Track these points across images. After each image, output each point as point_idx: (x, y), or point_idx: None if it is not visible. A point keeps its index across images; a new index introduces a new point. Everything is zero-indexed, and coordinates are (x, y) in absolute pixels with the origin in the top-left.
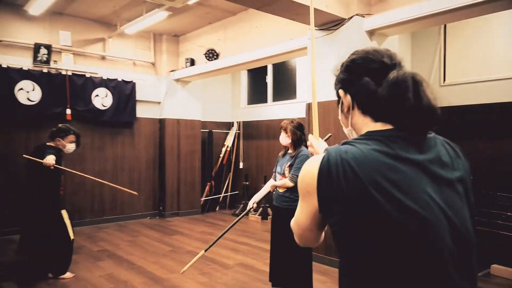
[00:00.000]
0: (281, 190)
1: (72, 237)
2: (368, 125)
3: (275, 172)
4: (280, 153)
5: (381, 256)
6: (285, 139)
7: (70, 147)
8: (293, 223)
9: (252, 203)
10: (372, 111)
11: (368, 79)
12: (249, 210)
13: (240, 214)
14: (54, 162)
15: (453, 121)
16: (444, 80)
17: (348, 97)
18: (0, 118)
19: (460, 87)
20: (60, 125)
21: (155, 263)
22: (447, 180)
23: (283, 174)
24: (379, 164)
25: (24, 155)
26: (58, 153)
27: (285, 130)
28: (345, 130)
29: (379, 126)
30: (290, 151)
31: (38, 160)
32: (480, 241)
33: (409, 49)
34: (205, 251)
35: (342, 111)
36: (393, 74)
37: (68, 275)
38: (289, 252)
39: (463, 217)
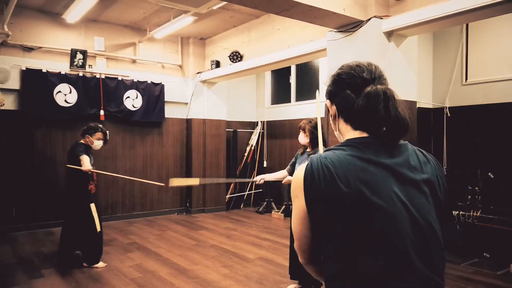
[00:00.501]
0: None
1: (98, 229)
2: (349, 132)
3: (291, 166)
4: (299, 151)
5: (354, 242)
6: (303, 138)
7: (97, 143)
8: (295, 243)
9: (259, 178)
10: (352, 120)
11: (349, 92)
12: (254, 181)
13: (264, 211)
14: (91, 167)
15: (475, 119)
16: (466, 79)
17: (334, 107)
18: (41, 119)
19: (482, 86)
20: (90, 123)
21: (180, 256)
22: (413, 181)
23: None
24: (352, 166)
25: (67, 165)
26: (88, 149)
27: (304, 130)
28: (336, 134)
29: (357, 134)
30: (308, 149)
31: (78, 167)
32: (502, 241)
33: (431, 48)
34: (200, 184)
35: (331, 117)
36: (368, 88)
37: (100, 264)
38: None
39: (426, 213)
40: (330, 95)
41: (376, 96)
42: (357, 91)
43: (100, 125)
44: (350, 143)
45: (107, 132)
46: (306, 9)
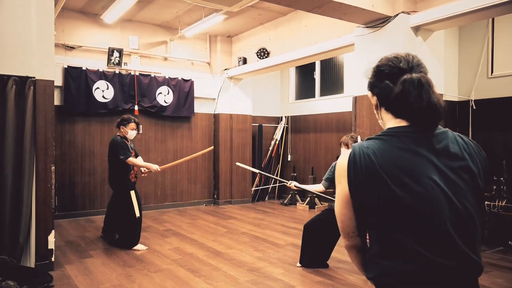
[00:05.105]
0: None
1: (137, 214)
2: (390, 120)
3: (327, 181)
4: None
5: (397, 224)
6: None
7: (131, 133)
8: (339, 227)
9: (292, 183)
10: (391, 108)
11: (388, 82)
12: (285, 183)
13: (288, 203)
14: (155, 167)
15: (500, 112)
16: (492, 72)
17: (375, 97)
18: (81, 113)
19: (508, 79)
20: (124, 115)
21: (214, 241)
22: (452, 168)
23: None
24: (392, 155)
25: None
26: (123, 140)
27: (346, 145)
28: (380, 123)
29: (397, 123)
30: None
31: (151, 168)
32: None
33: (457, 42)
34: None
35: (374, 108)
36: (404, 77)
37: (140, 247)
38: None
39: (463, 198)
40: (371, 86)
41: (411, 83)
42: (395, 81)
43: (133, 117)
44: (389, 132)
45: (139, 123)
46: (337, 6)
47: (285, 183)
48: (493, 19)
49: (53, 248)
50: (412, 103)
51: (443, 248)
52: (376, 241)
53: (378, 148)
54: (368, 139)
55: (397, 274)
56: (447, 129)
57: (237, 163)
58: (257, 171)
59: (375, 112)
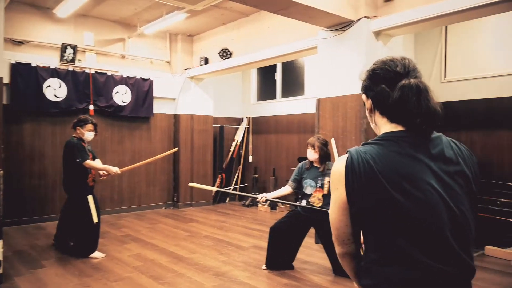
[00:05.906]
0: (318, 204)
1: (95, 220)
2: (385, 125)
3: (294, 182)
4: (305, 166)
5: (396, 231)
6: (313, 155)
7: (88, 135)
8: (333, 234)
9: (262, 196)
10: (387, 113)
11: (384, 86)
12: (256, 199)
13: (250, 205)
14: (114, 170)
15: (453, 115)
16: (445, 76)
17: (369, 101)
18: (30, 113)
19: (460, 83)
20: (80, 116)
21: (176, 245)
22: (448, 173)
23: (320, 188)
24: (391, 161)
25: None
26: (80, 141)
27: (313, 146)
28: (372, 126)
29: (393, 127)
30: (316, 165)
31: (110, 171)
32: (479, 226)
33: (412, 47)
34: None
35: (367, 111)
36: (402, 82)
37: (98, 254)
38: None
39: (460, 202)
40: (366, 89)
41: (410, 89)
42: (392, 85)
43: (90, 117)
44: (387, 137)
45: (97, 124)
46: (302, 8)
47: (256, 197)
48: (446, 27)
49: (1, 260)
50: (411, 110)
51: (442, 253)
52: (374, 248)
53: (376, 153)
54: (364, 144)
55: (397, 281)
56: (441, 134)
57: (190, 184)
58: (215, 189)
59: (367, 115)
